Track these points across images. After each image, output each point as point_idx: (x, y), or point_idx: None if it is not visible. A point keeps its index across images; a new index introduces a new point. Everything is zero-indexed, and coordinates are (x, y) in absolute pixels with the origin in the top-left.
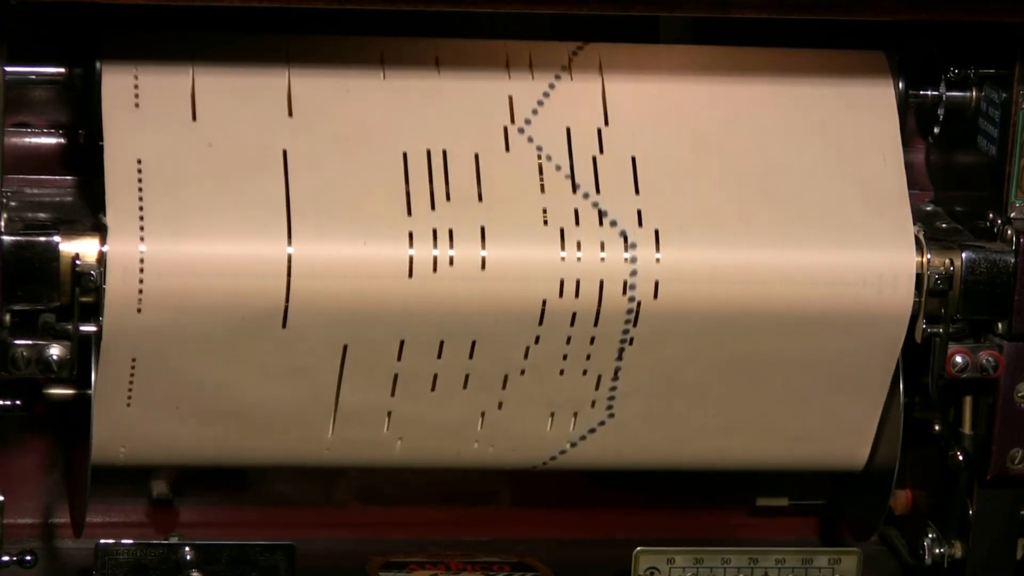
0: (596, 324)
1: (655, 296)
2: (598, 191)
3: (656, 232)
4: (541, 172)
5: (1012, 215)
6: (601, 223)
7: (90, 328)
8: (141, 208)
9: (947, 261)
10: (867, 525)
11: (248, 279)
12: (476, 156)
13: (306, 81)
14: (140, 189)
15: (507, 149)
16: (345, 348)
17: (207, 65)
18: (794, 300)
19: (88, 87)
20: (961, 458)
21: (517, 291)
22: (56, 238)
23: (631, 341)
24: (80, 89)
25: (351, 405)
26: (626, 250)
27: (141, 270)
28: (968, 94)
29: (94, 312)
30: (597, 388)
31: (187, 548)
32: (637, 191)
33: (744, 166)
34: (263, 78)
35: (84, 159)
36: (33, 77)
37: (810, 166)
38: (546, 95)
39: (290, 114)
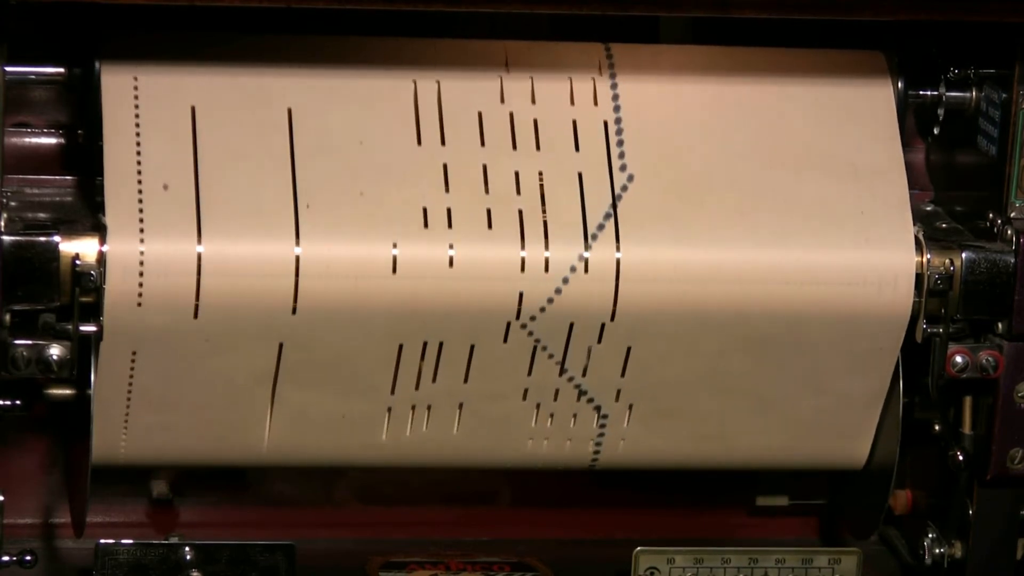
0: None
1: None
2: None
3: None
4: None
5: (1012, 215)
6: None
7: (90, 328)
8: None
9: (947, 261)
10: (867, 525)
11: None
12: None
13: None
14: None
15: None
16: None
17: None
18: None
19: (88, 87)
20: (961, 458)
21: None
22: (56, 238)
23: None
24: (80, 89)
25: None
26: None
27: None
28: (968, 94)
29: (94, 312)
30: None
31: (187, 548)
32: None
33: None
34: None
35: (84, 159)
36: (33, 77)
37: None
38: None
39: (295, 312)
